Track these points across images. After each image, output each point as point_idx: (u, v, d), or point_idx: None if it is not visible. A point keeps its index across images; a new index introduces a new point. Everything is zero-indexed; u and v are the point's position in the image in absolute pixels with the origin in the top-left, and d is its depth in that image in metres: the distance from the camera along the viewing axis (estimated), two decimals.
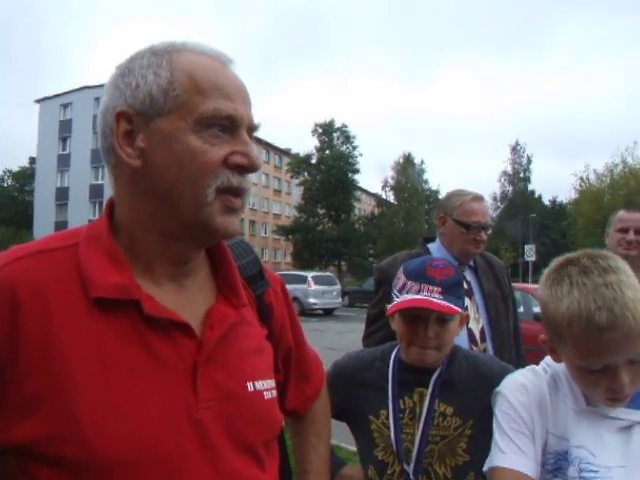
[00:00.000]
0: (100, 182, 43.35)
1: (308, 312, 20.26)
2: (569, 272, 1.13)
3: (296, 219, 46.46)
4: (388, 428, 1.47)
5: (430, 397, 1.46)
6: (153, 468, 0.81)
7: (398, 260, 2.31)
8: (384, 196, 52.33)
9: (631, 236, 2.71)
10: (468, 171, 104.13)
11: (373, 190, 58.76)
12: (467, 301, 2.25)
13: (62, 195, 48.22)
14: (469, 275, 2.46)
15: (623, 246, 2.71)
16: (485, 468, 1.22)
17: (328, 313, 22.21)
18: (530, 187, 55.97)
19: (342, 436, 1.76)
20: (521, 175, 55.69)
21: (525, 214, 46.00)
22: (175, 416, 0.85)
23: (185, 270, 0.95)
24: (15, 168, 62.66)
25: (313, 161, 45.40)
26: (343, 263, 46.36)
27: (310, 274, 23.02)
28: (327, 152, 44.88)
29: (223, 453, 0.88)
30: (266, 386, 0.99)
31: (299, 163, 45.43)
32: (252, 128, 0.94)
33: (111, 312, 0.84)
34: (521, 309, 7.24)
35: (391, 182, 50.68)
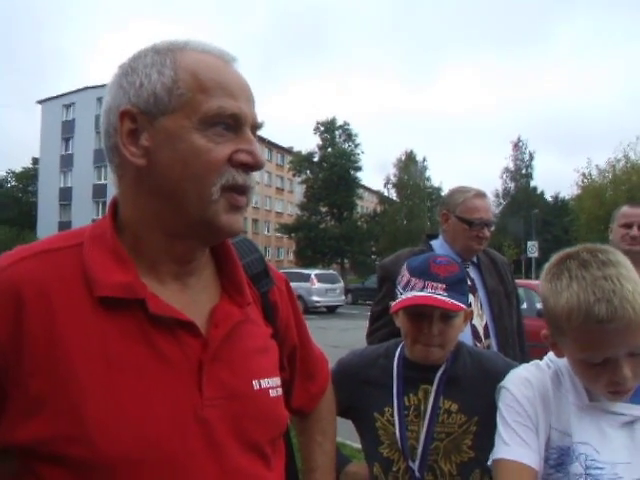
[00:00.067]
0: (103, 182, 43.37)
1: (311, 310, 20.29)
2: (568, 266, 1.14)
3: (299, 217, 46.46)
4: (393, 425, 1.47)
5: (435, 394, 1.46)
6: (158, 467, 0.82)
7: (401, 257, 2.31)
8: (386, 193, 52.33)
9: (635, 231, 2.70)
10: (470, 168, 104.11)
11: (375, 188, 58.80)
12: (471, 298, 2.24)
13: (65, 195, 48.34)
14: (472, 272, 2.46)
15: (627, 241, 2.71)
16: (489, 461, 1.22)
17: (331, 311, 22.24)
18: (532, 183, 55.83)
19: (347, 433, 1.76)
20: (523, 171, 55.52)
21: (527, 210, 45.85)
22: (181, 415, 0.85)
23: (189, 269, 0.95)
24: (18, 169, 62.89)
25: (315, 159, 45.36)
26: (346, 261, 46.36)
27: (313, 272, 23.04)
28: (329, 150, 44.85)
29: (229, 451, 0.88)
30: (272, 384, 0.99)
31: (301, 161, 45.41)
32: (256, 126, 0.95)
33: (116, 311, 0.85)
34: (524, 305, 7.24)
35: (393, 179, 50.64)
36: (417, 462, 1.44)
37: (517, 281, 2.76)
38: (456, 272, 1.47)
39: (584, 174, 34.48)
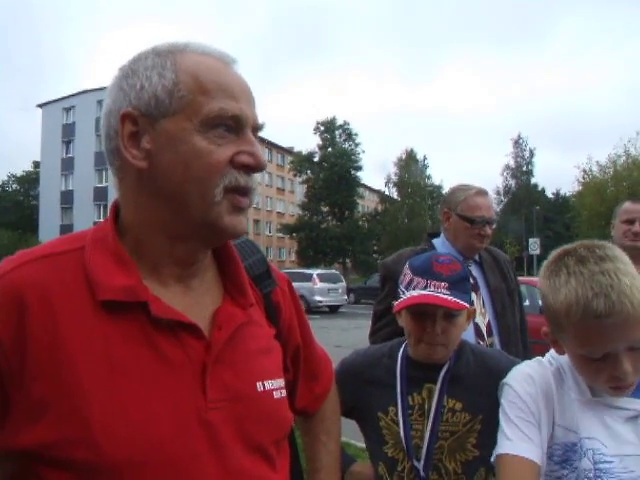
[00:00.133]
0: (104, 184, 43.45)
1: (314, 310, 20.29)
2: (566, 263, 1.14)
3: (300, 217, 46.52)
4: (397, 425, 1.47)
5: (439, 393, 1.46)
6: (163, 469, 0.82)
7: (403, 256, 2.31)
8: (387, 192, 52.35)
9: (637, 227, 2.71)
10: (471, 166, 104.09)
11: (376, 187, 58.83)
12: (473, 296, 2.24)
13: (67, 198, 48.40)
14: (475, 270, 2.46)
15: (629, 237, 2.71)
16: (492, 458, 1.22)
17: (334, 310, 22.22)
18: (533, 180, 55.90)
19: (351, 433, 1.76)
20: (524, 169, 55.54)
21: (528, 208, 45.90)
22: (184, 417, 0.85)
23: (192, 271, 0.95)
24: (19, 172, 63.06)
25: (316, 159, 45.42)
26: (348, 260, 46.36)
27: (315, 272, 23.04)
28: (329, 150, 44.91)
29: (233, 453, 0.88)
30: (275, 385, 0.99)
31: (302, 161, 45.45)
32: (257, 128, 0.95)
33: (118, 314, 0.84)
34: (527, 302, 7.22)
35: (394, 178, 50.73)
36: (422, 461, 1.44)
37: (519, 278, 2.76)
38: (459, 271, 1.47)
39: (585, 170, 34.48)
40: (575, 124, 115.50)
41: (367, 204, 61.17)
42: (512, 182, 55.75)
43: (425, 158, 51.39)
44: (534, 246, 29.22)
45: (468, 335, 1.99)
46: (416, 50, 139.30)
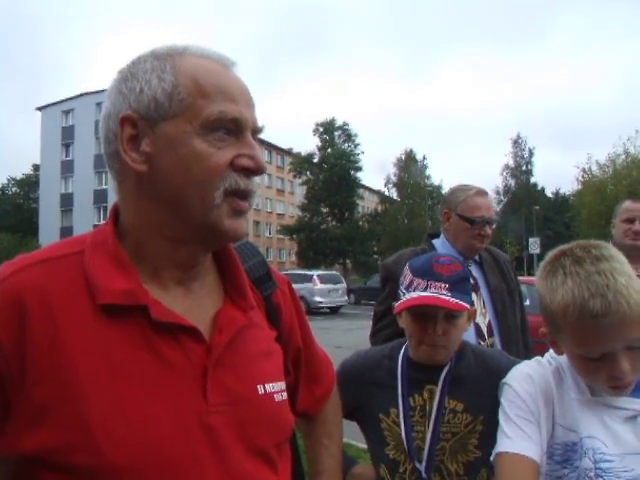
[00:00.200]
0: (104, 187, 43.46)
1: (314, 311, 20.29)
2: (563, 263, 1.15)
3: (300, 218, 46.50)
4: (399, 426, 1.47)
5: (440, 394, 1.46)
6: (164, 474, 0.81)
7: (403, 257, 2.31)
8: (387, 193, 52.37)
9: (637, 226, 2.71)
10: (470, 166, 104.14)
11: (376, 187, 58.85)
12: (473, 296, 2.24)
13: (67, 201, 48.43)
14: (475, 270, 2.46)
15: (629, 236, 2.72)
16: (491, 457, 1.22)
17: (334, 311, 22.23)
18: (532, 180, 55.87)
19: (352, 434, 1.76)
20: (523, 168, 55.53)
21: (528, 207, 45.91)
22: (186, 421, 0.85)
23: (192, 274, 0.95)
24: (19, 176, 63.05)
25: (315, 160, 45.41)
26: (348, 261, 46.36)
27: (315, 273, 23.06)
28: (329, 151, 44.92)
29: (235, 457, 0.88)
30: (276, 388, 0.98)
31: (301, 162, 45.44)
32: (256, 130, 0.94)
33: (119, 318, 0.84)
34: (527, 302, 7.22)
35: (393, 179, 50.76)
36: (424, 463, 1.43)
37: (520, 278, 2.76)
38: (459, 271, 1.47)
39: (584, 169, 34.52)
40: (574, 123, 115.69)
41: (367, 205, 61.19)
42: (512, 182, 55.76)
43: (424, 158, 51.52)
44: (534, 245, 29.22)
45: (469, 335, 1.99)
46: (416, 50, 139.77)
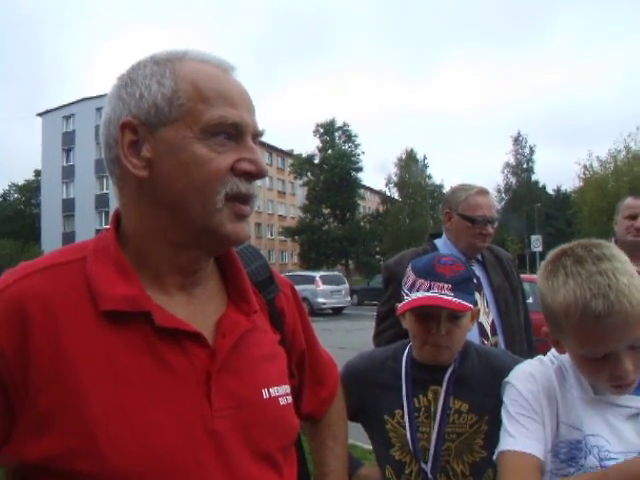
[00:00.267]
0: (105, 192, 43.55)
1: (317, 312, 20.26)
2: (564, 263, 1.14)
3: (301, 220, 46.52)
4: (404, 427, 1.47)
5: (445, 394, 1.46)
6: (167, 479, 0.81)
7: (405, 257, 2.31)
8: (388, 193, 52.38)
9: (639, 223, 2.70)
10: (471, 164, 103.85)
11: (377, 187, 58.82)
12: (476, 295, 2.24)
13: (68, 206, 48.52)
14: (477, 269, 2.46)
15: (632, 233, 2.71)
16: (495, 455, 1.22)
17: (337, 312, 22.21)
18: (534, 177, 55.95)
19: (357, 435, 1.76)
20: (524, 166, 55.58)
21: (530, 205, 45.84)
22: (191, 427, 0.84)
23: (195, 279, 0.95)
24: (20, 182, 63.18)
25: (316, 161, 45.42)
26: (350, 262, 46.36)
27: (318, 274, 23.04)
28: (329, 152, 44.92)
29: (240, 461, 0.88)
30: (281, 392, 0.98)
31: (302, 164, 45.46)
32: (257, 134, 0.94)
33: (121, 324, 0.84)
34: (530, 300, 7.21)
35: (394, 179, 50.75)
36: (429, 464, 1.43)
37: (522, 276, 2.76)
38: (462, 271, 1.46)
39: (585, 166, 34.46)
40: (575, 120, 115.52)
41: (368, 205, 61.22)
42: (513, 180, 55.80)
43: (425, 158, 51.51)
44: (536, 243, 29.16)
45: (472, 335, 1.99)
46: (416, 50, 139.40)
